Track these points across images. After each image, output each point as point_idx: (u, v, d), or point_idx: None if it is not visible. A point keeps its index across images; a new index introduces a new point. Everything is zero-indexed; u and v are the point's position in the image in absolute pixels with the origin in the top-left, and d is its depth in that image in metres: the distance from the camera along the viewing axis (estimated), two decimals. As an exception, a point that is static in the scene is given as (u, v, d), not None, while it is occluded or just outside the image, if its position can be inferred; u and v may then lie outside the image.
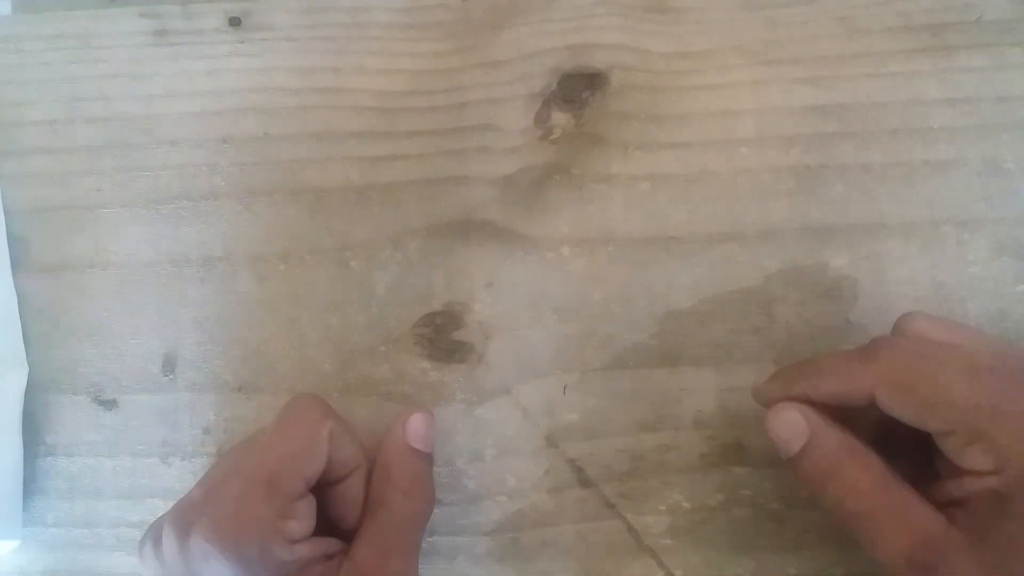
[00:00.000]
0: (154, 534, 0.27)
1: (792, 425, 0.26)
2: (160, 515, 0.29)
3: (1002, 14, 0.33)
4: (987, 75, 0.33)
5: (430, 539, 0.32)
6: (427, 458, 0.30)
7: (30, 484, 0.34)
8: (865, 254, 0.32)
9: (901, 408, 0.24)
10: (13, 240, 0.35)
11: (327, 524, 0.29)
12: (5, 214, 0.35)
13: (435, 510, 0.32)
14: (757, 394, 0.29)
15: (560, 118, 0.34)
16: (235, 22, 0.36)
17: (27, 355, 0.34)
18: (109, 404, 0.34)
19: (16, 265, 0.35)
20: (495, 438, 0.32)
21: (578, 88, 0.34)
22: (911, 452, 0.26)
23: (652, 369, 0.32)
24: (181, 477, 0.33)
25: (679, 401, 0.32)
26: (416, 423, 0.30)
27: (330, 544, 0.28)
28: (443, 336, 0.33)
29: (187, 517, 0.26)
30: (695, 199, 0.33)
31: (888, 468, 0.25)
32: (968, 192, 0.32)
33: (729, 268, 0.33)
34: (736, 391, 0.32)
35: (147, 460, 0.33)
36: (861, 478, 0.25)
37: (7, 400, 0.33)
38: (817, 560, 0.31)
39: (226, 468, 0.28)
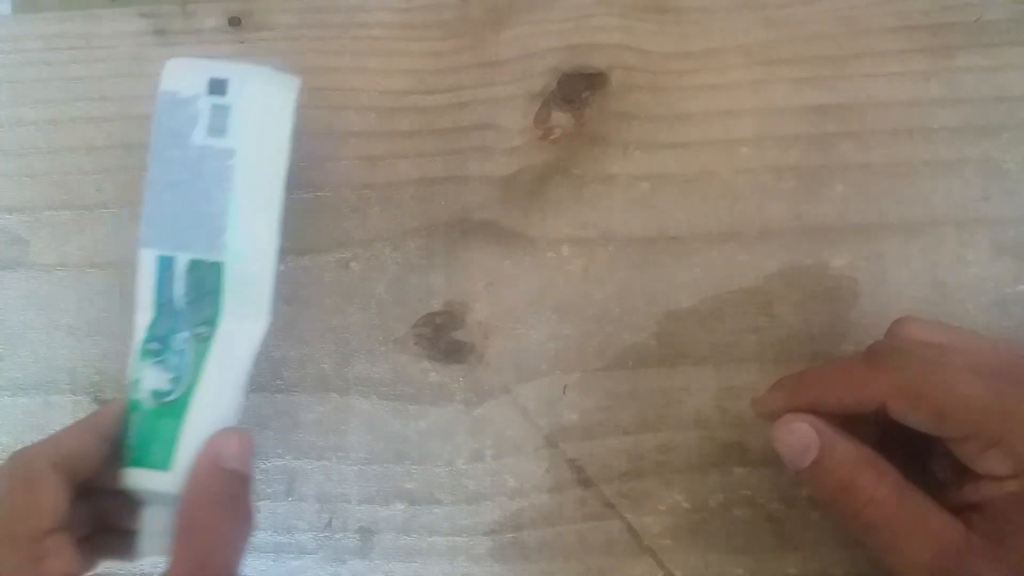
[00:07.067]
0: None
1: (802, 437, 0.26)
2: None
3: (1002, 14, 0.33)
4: (987, 75, 0.33)
5: (430, 539, 0.32)
6: (243, 477, 0.28)
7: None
8: (865, 254, 0.32)
9: (915, 416, 0.24)
10: (13, 240, 0.35)
11: None
12: (4, 214, 0.35)
13: (435, 510, 0.32)
14: (758, 405, 0.28)
15: (560, 118, 0.34)
16: (235, 22, 0.36)
17: (26, 355, 0.34)
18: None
19: (16, 265, 0.35)
20: (495, 438, 0.32)
21: (578, 88, 0.34)
22: (907, 454, 0.26)
23: (652, 369, 0.32)
24: (181, 477, 0.33)
25: (679, 401, 0.32)
26: (228, 442, 0.28)
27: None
28: (443, 336, 0.33)
29: None
30: (695, 199, 0.33)
31: (902, 476, 0.25)
32: (968, 192, 0.32)
33: (729, 268, 0.33)
34: (736, 391, 0.32)
35: (147, 460, 0.33)
36: (878, 488, 0.24)
37: (237, 348, 0.30)
38: (817, 560, 0.31)
39: None
